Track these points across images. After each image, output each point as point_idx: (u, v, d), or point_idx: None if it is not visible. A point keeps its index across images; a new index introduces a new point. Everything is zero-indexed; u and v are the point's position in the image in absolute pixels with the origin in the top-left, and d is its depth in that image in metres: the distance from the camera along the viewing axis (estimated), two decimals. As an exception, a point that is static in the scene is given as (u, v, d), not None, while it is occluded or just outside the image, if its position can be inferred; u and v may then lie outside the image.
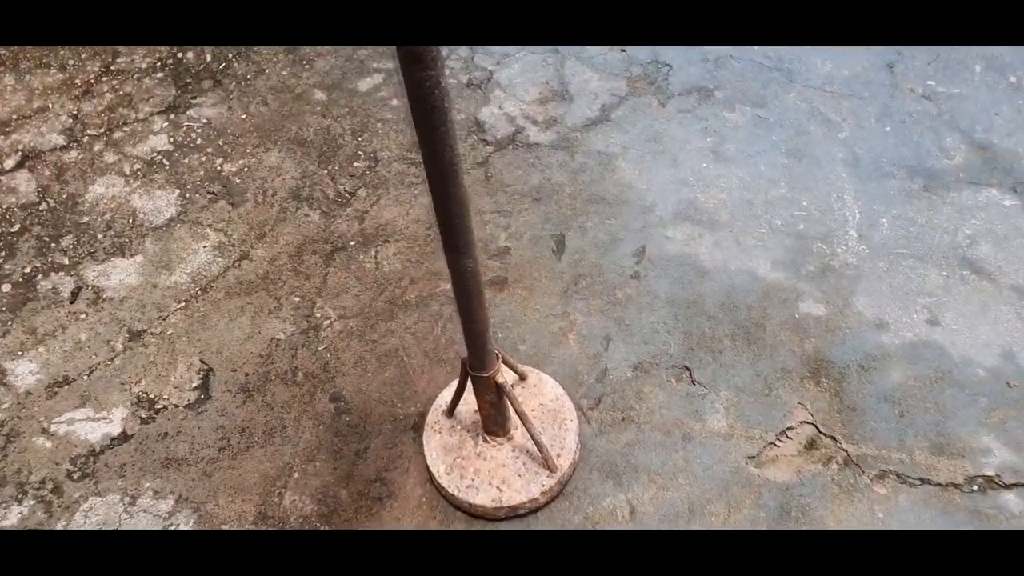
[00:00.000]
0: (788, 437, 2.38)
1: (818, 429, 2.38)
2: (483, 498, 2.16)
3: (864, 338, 2.58)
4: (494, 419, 2.17)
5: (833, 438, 2.37)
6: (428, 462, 2.22)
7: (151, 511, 2.25)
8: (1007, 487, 2.28)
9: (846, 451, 2.34)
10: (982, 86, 3.30)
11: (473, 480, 2.19)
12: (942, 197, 2.96)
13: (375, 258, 2.78)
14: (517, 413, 2.08)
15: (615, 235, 2.84)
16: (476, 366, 1.95)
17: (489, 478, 2.19)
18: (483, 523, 2.20)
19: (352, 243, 2.82)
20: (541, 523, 2.21)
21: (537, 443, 2.15)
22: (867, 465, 2.31)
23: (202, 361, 2.54)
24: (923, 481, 2.28)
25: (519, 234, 2.84)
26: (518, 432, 2.28)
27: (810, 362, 2.52)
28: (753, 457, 2.33)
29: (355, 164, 3.06)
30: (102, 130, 3.18)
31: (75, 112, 3.25)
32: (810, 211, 2.92)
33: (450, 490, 2.17)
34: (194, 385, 2.50)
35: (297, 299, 2.68)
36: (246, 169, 3.05)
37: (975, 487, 2.27)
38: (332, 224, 2.88)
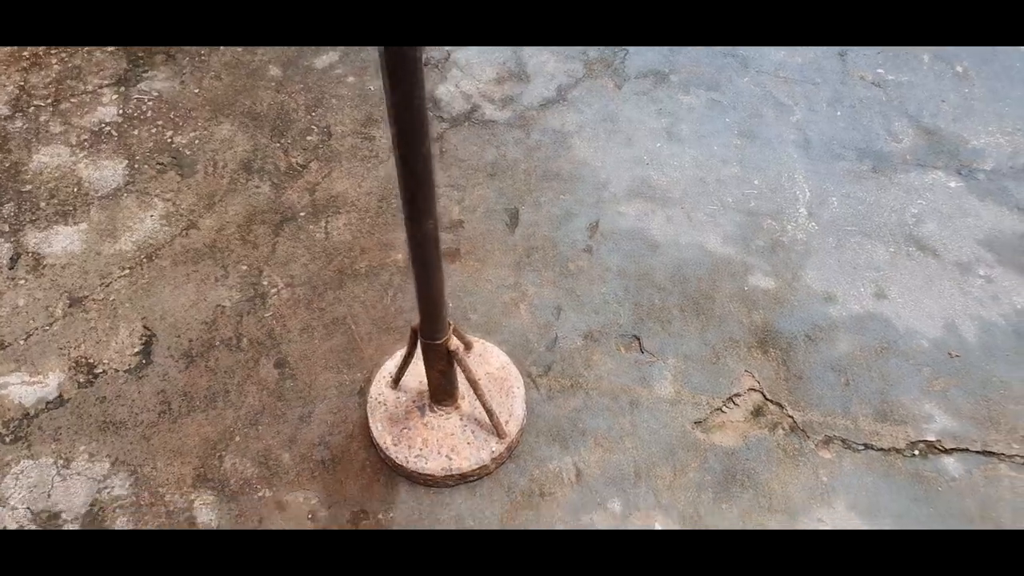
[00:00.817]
0: (735, 404, 2.38)
1: (765, 396, 2.40)
2: (433, 467, 2.13)
3: (812, 310, 2.61)
4: (443, 388, 2.15)
5: (779, 405, 2.38)
6: (375, 435, 2.19)
7: (85, 474, 2.18)
8: (947, 451, 2.30)
9: (792, 417, 2.35)
10: (930, 74, 3.38)
11: (422, 450, 2.16)
12: (890, 178, 3.02)
13: (325, 228, 2.76)
14: (470, 381, 2.06)
15: (569, 210, 2.85)
16: (428, 333, 1.93)
17: (438, 447, 2.17)
18: (425, 489, 2.17)
19: (302, 214, 2.79)
20: (488, 487, 2.19)
21: (488, 410, 2.14)
22: (812, 431, 2.33)
23: (145, 327, 2.49)
24: (867, 446, 2.30)
25: (473, 207, 2.83)
26: (465, 401, 2.26)
27: (758, 332, 2.54)
28: (700, 422, 2.34)
29: (308, 138, 3.03)
30: (49, 101, 3.12)
31: (22, 83, 3.18)
32: (761, 189, 2.95)
33: (399, 461, 2.14)
34: (136, 351, 2.44)
35: (244, 268, 2.64)
36: (197, 141, 3.01)
37: (916, 452, 2.30)
38: (282, 195, 2.84)
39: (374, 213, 2.80)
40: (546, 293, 2.61)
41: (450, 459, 2.15)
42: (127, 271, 2.62)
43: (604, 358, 2.46)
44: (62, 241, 2.69)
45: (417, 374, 2.31)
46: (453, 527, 2.11)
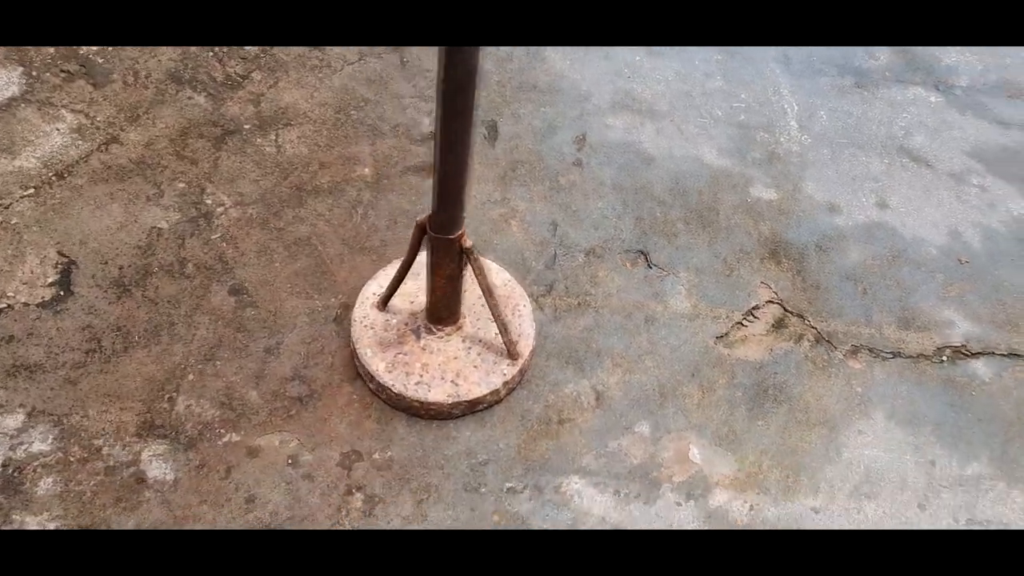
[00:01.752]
0: (755, 317, 2.17)
1: (784, 308, 2.20)
2: (437, 394, 1.81)
3: (818, 220, 2.43)
4: (446, 302, 1.82)
5: (801, 316, 2.19)
6: (364, 363, 1.84)
7: (-5, 427, 1.74)
8: (975, 355, 2.17)
9: (815, 328, 2.16)
10: (897, -6, 3.29)
11: (422, 376, 1.83)
12: (873, 93, 2.89)
13: (276, 142, 2.36)
14: (484, 288, 1.75)
15: (551, 122, 2.56)
16: (442, 226, 1.59)
17: (441, 372, 1.85)
18: (426, 423, 1.85)
19: (247, 126, 2.39)
20: (499, 416, 1.88)
21: (502, 325, 1.83)
22: (838, 341, 2.14)
23: (60, 254, 2.04)
24: (895, 354, 2.14)
25: (443, 120, 2.50)
26: (467, 321, 1.94)
27: (767, 243, 2.34)
28: (721, 337, 2.11)
29: (246, 48, 2.62)
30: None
31: None
32: (749, 103, 2.76)
33: (396, 389, 1.80)
34: (50, 280, 1.99)
35: (182, 185, 2.22)
36: (111, 49, 2.54)
37: (944, 357, 2.16)
38: (222, 107, 2.42)
39: (331, 125, 2.43)
40: (538, 208, 2.32)
41: (456, 385, 1.84)
42: (31, 191, 2.15)
43: (611, 274, 2.20)
44: (-57, 158, 2.19)
45: (406, 295, 1.98)
46: (465, 465, 1.80)
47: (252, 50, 2.62)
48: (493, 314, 1.81)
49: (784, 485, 1.86)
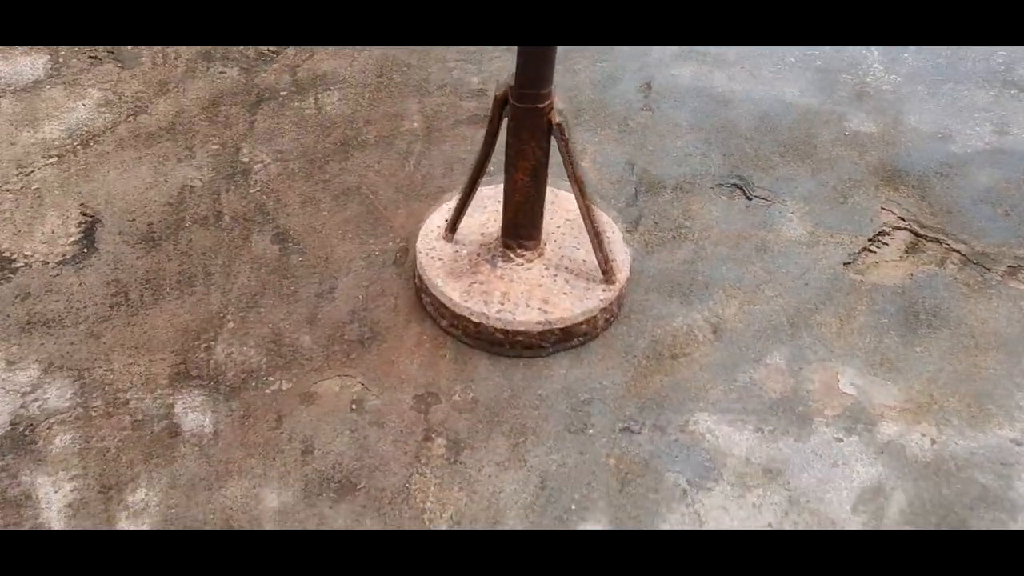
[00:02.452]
0: (883, 242, 1.85)
1: (915, 232, 1.88)
2: (523, 321, 1.50)
3: (931, 149, 2.13)
4: (528, 209, 1.54)
5: (937, 240, 1.86)
6: (436, 293, 1.55)
7: (0, 385, 1.45)
8: None
9: (958, 251, 1.83)
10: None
11: (503, 304, 1.53)
12: (959, 36, 2.64)
13: (315, 104, 2.15)
14: (574, 179, 1.47)
15: (611, 74, 2.33)
16: (526, 91, 1.32)
17: (526, 299, 1.54)
18: (511, 361, 1.53)
19: (283, 92, 2.18)
20: (598, 352, 1.56)
21: (595, 234, 1.53)
22: (991, 263, 1.81)
23: (84, 212, 1.80)
24: (1059, 272, 1.79)
25: (493, 77, 2.28)
26: (548, 248, 1.65)
27: (879, 172, 2.04)
28: (850, 263, 1.79)
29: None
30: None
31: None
32: (823, 50, 2.52)
33: (475, 318, 1.50)
34: (72, 239, 1.74)
35: (216, 147, 2.00)
36: (138, 35, 2.39)
37: (1119, 274, 1.80)
38: (256, 78, 2.23)
39: (374, 88, 2.22)
40: (609, 150, 2.06)
41: (545, 311, 1.52)
42: (54, 158, 1.94)
43: (706, 206, 1.91)
44: (-41, 133, 2.00)
45: (475, 227, 1.70)
46: (565, 404, 1.46)
47: (288, 29, 2.45)
48: (585, 217, 1.51)
49: (968, 415, 1.49)
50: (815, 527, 1.32)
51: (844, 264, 1.79)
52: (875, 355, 1.59)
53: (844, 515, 1.34)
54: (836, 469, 1.40)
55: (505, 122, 1.43)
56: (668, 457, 1.40)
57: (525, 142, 1.39)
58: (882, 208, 1.93)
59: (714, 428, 1.45)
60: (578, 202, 1.50)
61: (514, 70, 1.32)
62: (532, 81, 1.31)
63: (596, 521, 1.30)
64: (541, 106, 1.34)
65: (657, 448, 1.41)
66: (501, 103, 1.38)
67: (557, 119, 1.38)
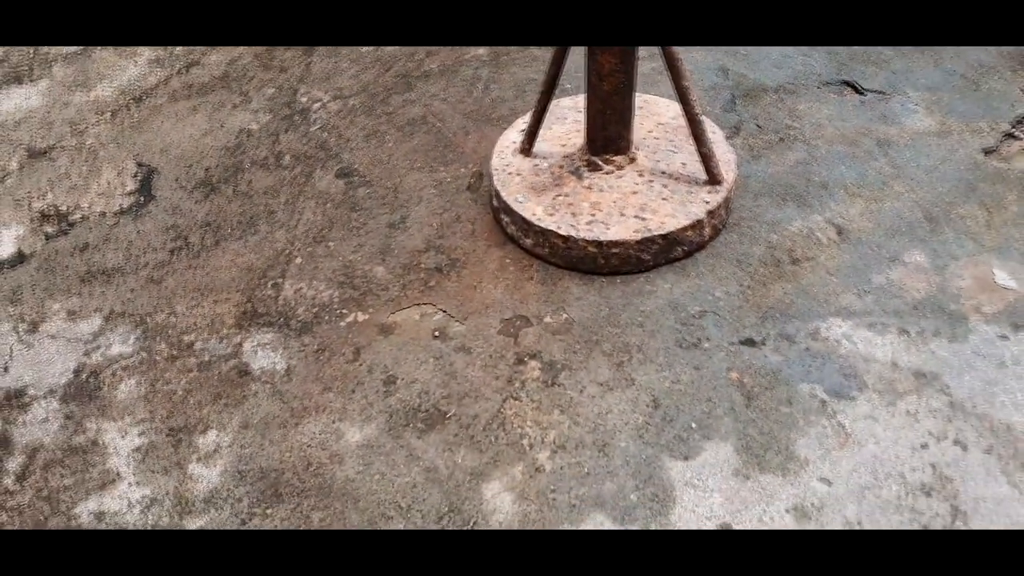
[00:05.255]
0: (1028, 126, 1.60)
1: (1067, 112, 1.61)
2: (618, 231, 1.32)
3: (1069, 27, 1.85)
4: (614, 113, 1.35)
5: (1095, 118, 1.59)
6: (516, 209, 1.39)
7: (63, 336, 1.35)
8: None
9: (1122, 128, 1.56)
10: None
11: (594, 216, 1.36)
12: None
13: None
14: (671, 61, 1.28)
15: (691, -15, 2.12)
16: None
17: (619, 208, 1.36)
18: (606, 279, 1.35)
19: (341, 33, 2.06)
20: (707, 263, 1.37)
21: (698, 129, 1.34)
22: None
23: (139, 164, 1.70)
24: None
25: None
26: (640, 154, 1.47)
27: (1014, 56, 1.78)
28: (992, 151, 1.54)
29: (332, -25, 2.33)
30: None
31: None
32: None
33: (562, 231, 1.33)
34: (129, 189, 1.65)
35: (272, 91, 1.88)
36: None
37: None
38: (311, 23, 2.12)
39: (436, 22, 2.07)
40: (698, 56, 1.86)
41: (643, 219, 1.34)
42: (107, 115, 1.86)
43: (816, 105, 1.69)
44: (14, 99, 1.94)
45: (554, 139, 1.53)
46: (673, 319, 1.28)
47: (340, -25, 2.33)
48: (683, 104, 1.32)
49: None
50: (986, 434, 1.10)
51: (985, 152, 1.54)
52: (1036, 246, 1.35)
53: (1021, 420, 1.11)
54: (1005, 369, 1.17)
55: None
56: (800, 367, 1.20)
57: (606, 57, 1.21)
58: (1022, 91, 1.67)
59: (851, 333, 1.24)
60: (675, 84, 1.31)
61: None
62: None
63: (723, 439, 1.12)
64: None
65: (786, 358, 1.21)
66: None
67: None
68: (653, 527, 1.03)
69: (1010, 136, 1.58)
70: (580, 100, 1.57)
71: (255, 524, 1.07)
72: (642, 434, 1.13)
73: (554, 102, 1.53)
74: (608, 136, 1.39)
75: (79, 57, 2.07)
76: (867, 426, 1.12)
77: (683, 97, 1.31)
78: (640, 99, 1.60)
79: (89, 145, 1.77)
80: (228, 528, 1.07)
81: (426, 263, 1.41)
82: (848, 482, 1.06)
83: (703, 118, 1.40)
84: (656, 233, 1.32)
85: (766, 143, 1.61)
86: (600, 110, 1.35)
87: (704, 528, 1.02)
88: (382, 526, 1.05)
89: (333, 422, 1.18)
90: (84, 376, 1.28)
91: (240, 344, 1.31)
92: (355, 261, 1.43)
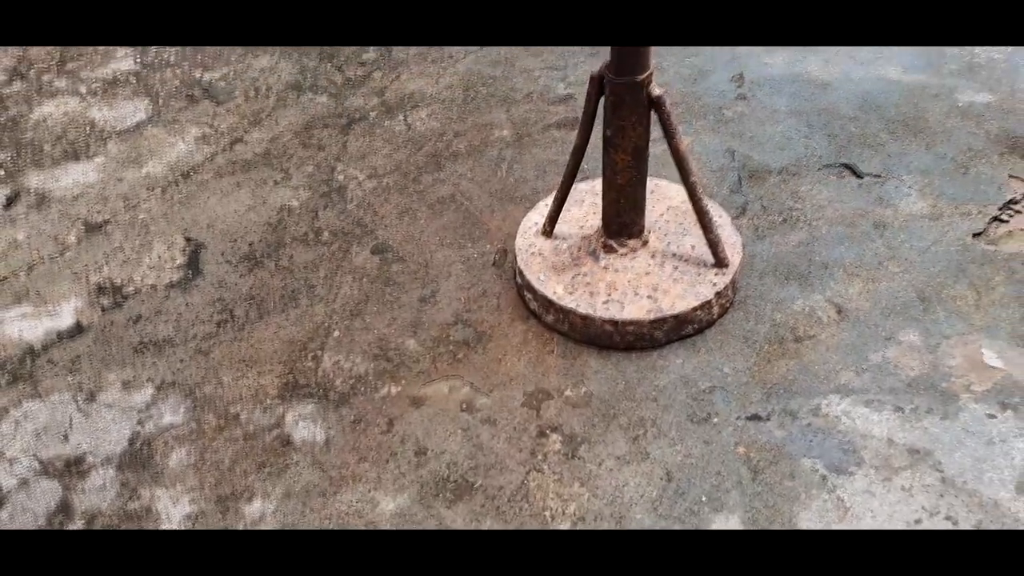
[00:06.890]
0: (1016, 210, 1.71)
1: (1052, 197, 1.72)
2: (633, 311, 1.43)
3: (1057, 112, 1.97)
4: (629, 196, 1.48)
5: (1077, 204, 1.70)
6: (538, 288, 1.51)
7: (119, 405, 1.47)
8: None
9: (1104, 213, 1.67)
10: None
11: (610, 295, 1.47)
12: (1071, -1, 2.46)
13: (405, 121, 2.16)
14: (677, 153, 1.41)
15: (700, 68, 2.27)
16: (624, 66, 1.28)
17: (633, 288, 1.48)
18: (622, 354, 1.46)
19: (373, 113, 2.21)
20: (716, 340, 1.47)
21: (702, 215, 1.46)
22: None
23: (187, 239, 1.84)
24: None
25: (579, 82, 2.26)
26: (653, 236, 1.59)
27: (1002, 140, 1.89)
28: (980, 234, 1.65)
29: (364, 55, 2.50)
30: (53, 63, 2.61)
31: (19, 55, 2.69)
32: (924, 25, 2.39)
33: (581, 310, 1.44)
34: (178, 263, 1.78)
35: (311, 168, 2.03)
36: (232, 74, 2.47)
37: None
38: (345, 102, 2.27)
39: (461, 102, 2.22)
40: (707, 139, 1.99)
41: (655, 299, 1.45)
42: (157, 191, 2.00)
43: (816, 188, 1.80)
44: (72, 175, 2.09)
45: (574, 220, 1.65)
46: (684, 394, 1.38)
47: (370, 55, 2.50)
48: (692, 200, 1.44)
49: None
50: (975, 509, 1.18)
51: (974, 235, 1.65)
52: (1022, 326, 1.45)
53: (1008, 495, 1.20)
54: (993, 447, 1.26)
55: (602, 104, 1.38)
56: (802, 442, 1.29)
57: (625, 119, 1.34)
58: (1010, 176, 1.79)
59: (849, 410, 1.33)
60: (683, 180, 1.43)
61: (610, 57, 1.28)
62: (626, 66, 1.26)
63: (731, 511, 1.21)
64: (640, 78, 1.29)
65: (789, 434, 1.31)
66: (598, 82, 1.34)
67: (657, 91, 1.32)
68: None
69: (997, 219, 1.69)
70: (597, 184, 1.69)
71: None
72: (656, 507, 1.22)
73: (572, 186, 1.65)
74: (623, 222, 1.51)
75: (132, 135, 2.23)
76: (864, 500, 1.21)
77: (691, 193, 1.44)
78: (652, 183, 1.72)
79: (141, 220, 1.92)
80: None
81: (455, 336, 1.53)
82: (846, 553, 1.14)
83: (709, 206, 1.52)
84: (668, 313, 1.43)
85: (770, 224, 1.73)
86: (615, 199, 1.48)
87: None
88: (416, 589, 1.15)
89: (368, 491, 1.28)
90: (138, 445, 1.40)
91: (283, 415, 1.42)
92: (389, 335, 1.55)
